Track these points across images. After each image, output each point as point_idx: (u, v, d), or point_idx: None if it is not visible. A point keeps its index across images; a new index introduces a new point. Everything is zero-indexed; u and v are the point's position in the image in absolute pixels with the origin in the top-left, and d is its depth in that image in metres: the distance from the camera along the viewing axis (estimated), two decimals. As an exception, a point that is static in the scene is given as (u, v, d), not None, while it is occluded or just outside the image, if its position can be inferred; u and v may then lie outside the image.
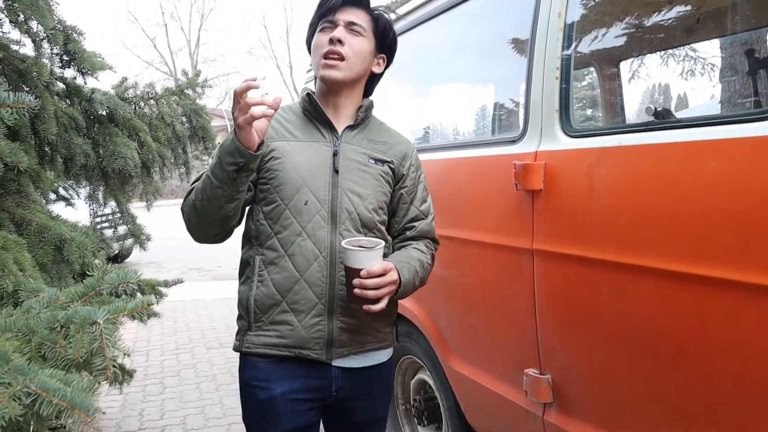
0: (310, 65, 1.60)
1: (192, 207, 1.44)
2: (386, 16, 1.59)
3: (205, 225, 1.46)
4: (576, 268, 1.56)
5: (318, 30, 1.55)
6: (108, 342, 0.94)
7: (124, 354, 1.27)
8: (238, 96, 1.26)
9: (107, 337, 0.94)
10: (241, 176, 1.36)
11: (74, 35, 2.49)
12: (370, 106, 1.61)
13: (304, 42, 1.65)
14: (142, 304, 1.08)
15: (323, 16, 1.54)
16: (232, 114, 1.29)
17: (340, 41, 1.49)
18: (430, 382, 2.45)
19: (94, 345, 0.94)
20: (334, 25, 1.52)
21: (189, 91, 3.03)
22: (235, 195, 1.39)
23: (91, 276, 1.16)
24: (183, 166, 3.09)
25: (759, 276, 1.12)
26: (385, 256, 1.53)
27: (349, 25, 1.52)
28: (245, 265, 1.55)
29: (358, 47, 1.52)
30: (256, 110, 1.25)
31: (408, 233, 1.64)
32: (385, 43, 1.61)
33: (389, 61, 1.66)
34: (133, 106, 2.82)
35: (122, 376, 2.70)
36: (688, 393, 1.31)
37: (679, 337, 1.30)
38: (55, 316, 1.00)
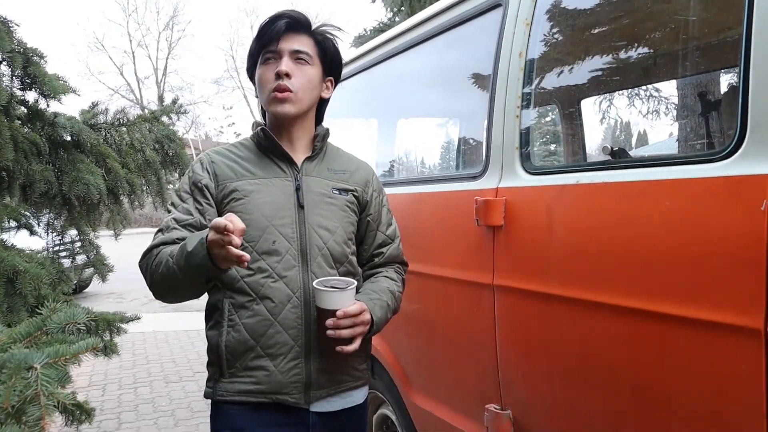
0: (256, 95, 1.53)
1: (162, 278, 1.37)
2: (330, 36, 1.52)
3: (176, 296, 1.44)
4: (536, 304, 1.57)
5: (261, 61, 1.47)
6: (44, 389, 0.86)
7: (72, 396, 1.19)
8: (223, 234, 1.17)
9: (45, 383, 0.86)
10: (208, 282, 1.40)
11: (35, 58, 2.43)
12: (326, 134, 1.56)
13: (246, 71, 1.56)
14: (86, 347, 1.00)
15: (265, 46, 1.46)
16: (213, 250, 1.22)
17: (287, 75, 1.42)
18: (392, 417, 2.41)
19: (28, 392, 0.86)
20: (279, 55, 1.45)
21: (164, 118, 2.98)
22: (203, 287, 1.42)
23: (40, 314, 1.09)
24: (158, 195, 3.00)
25: (712, 313, 1.14)
26: (357, 289, 1.49)
27: (294, 54, 1.45)
28: (213, 309, 1.47)
29: (306, 78, 1.46)
30: (244, 261, 1.21)
31: (377, 260, 1.61)
32: (332, 65, 1.55)
33: (337, 81, 1.60)
34: (102, 132, 2.76)
35: (80, 415, 2.58)
36: (648, 428, 1.31)
37: (638, 373, 1.31)
38: (-10, 359, 0.94)
